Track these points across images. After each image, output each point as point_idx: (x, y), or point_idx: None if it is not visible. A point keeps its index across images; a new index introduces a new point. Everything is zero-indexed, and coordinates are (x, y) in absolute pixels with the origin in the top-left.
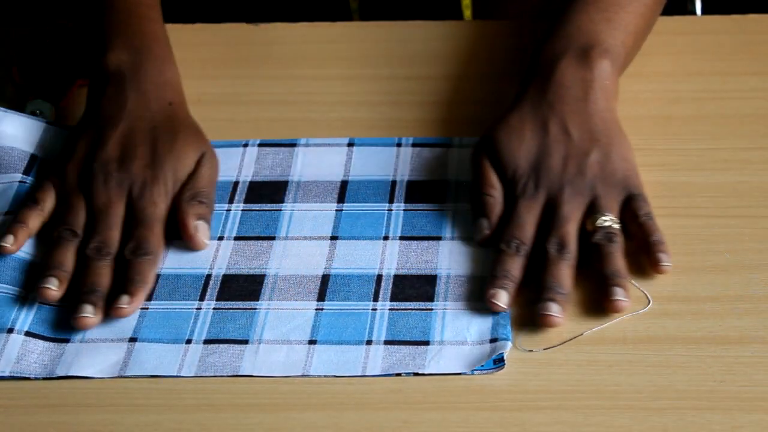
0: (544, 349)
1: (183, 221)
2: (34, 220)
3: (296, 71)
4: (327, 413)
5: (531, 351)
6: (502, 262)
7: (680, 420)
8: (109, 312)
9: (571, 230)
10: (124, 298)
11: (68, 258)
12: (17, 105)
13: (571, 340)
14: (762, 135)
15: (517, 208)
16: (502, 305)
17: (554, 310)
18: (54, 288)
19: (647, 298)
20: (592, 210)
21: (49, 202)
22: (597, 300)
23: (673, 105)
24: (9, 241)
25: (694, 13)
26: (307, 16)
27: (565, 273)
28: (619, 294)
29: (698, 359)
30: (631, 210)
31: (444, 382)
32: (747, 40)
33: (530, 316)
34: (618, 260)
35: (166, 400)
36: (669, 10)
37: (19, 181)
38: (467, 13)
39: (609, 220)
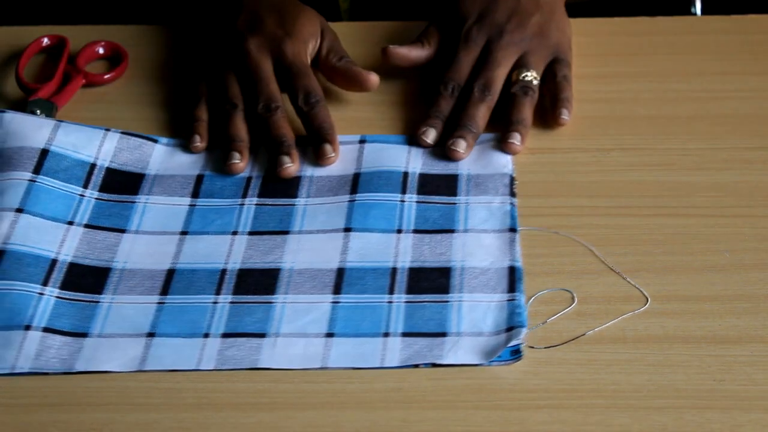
0: (546, 347)
1: (351, 71)
2: (205, 113)
3: None
4: (327, 412)
5: (532, 348)
6: (438, 104)
7: (679, 419)
8: (319, 161)
9: (498, 75)
10: (327, 147)
11: (241, 128)
12: (18, 105)
13: (573, 340)
14: (762, 135)
15: (458, 52)
16: (430, 141)
17: (462, 146)
18: (238, 161)
19: (645, 296)
20: (520, 63)
21: (205, 95)
22: (599, 299)
23: (673, 105)
24: (197, 141)
25: (694, 13)
26: None
27: (481, 113)
28: (515, 138)
29: (697, 358)
30: (553, 70)
31: (444, 381)
32: (747, 40)
33: (531, 315)
34: (526, 111)
35: (166, 399)
36: (669, 10)
37: (29, 180)
38: None
39: (531, 76)
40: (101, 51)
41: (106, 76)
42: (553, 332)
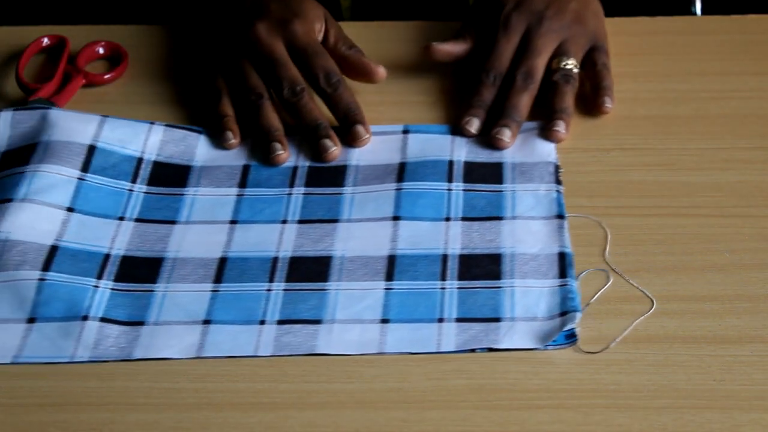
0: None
1: (361, 62)
2: (230, 108)
3: None
4: (327, 412)
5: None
6: (480, 93)
7: (679, 419)
8: (354, 143)
9: (539, 63)
10: (360, 129)
11: (273, 117)
12: (18, 105)
13: (614, 342)
14: (762, 135)
15: (498, 40)
16: (473, 131)
17: (507, 135)
18: (281, 151)
19: (651, 300)
20: (560, 51)
21: (225, 90)
22: (612, 300)
23: (673, 105)
24: (230, 138)
25: (694, 13)
26: None
27: (524, 101)
28: (560, 126)
29: (697, 358)
30: (592, 59)
31: (444, 381)
32: (747, 40)
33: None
34: (568, 99)
35: (166, 398)
36: (669, 10)
37: (78, 178)
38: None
39: (571, 64)
40: (101, 51)
41: (106, 76)
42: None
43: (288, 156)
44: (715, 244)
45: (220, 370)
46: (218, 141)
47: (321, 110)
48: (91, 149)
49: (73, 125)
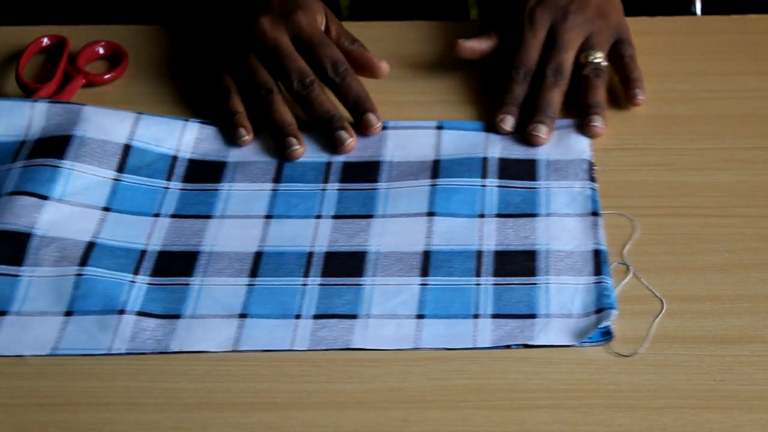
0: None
1: (364, 57)
2: (240, 105)
3: None
4: (327, 412)
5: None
6: (511, 89)
7: (679, 419)
8: (366, 132)
9: (568, 58)
10: (372, 117)
11: (285, 112)
12: None
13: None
14: (762, 135)
15: (524, 35)
16: (508, 129)
17: (543, 131)
18: (297, 146)
19: (661, 301)
20: (586, 46)
21: (233, 87)
22: (626, 299)
23: (673, 105)
24: (244, 135)
25: (694, 13)
26: None
27: (556, 97)
28: (597, 121)
29: (697, 358)
30: (619, 51)
31: (444, 381)
32: (747, 40)
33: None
34: (601, 93)
35: (166, 399)
36: (669, 10)
37: (114, 179)
38: (473, 12)
39: (600, 57)
40: (101, 51)
41: (106, 76)
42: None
43: (304, 150)
44: (715, 244)
45: (220, 370)
46: (231, 139)
47: (332, 101)
48: (127, 148)
49: (108, 122)
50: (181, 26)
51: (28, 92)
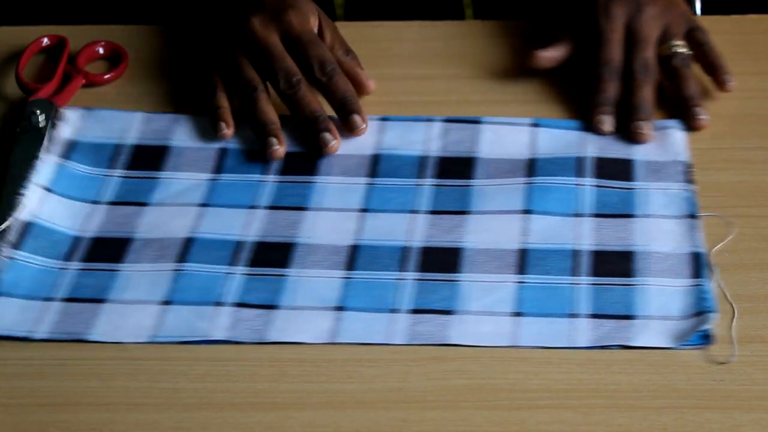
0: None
1: (354, 72)
2: (225, 101)
3: None
4: (327, 412)
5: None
6: (602, 90)
7: (679, 419)
8: (351, 133)
9: (652, 53)
10: (356, 118)
11: (269, 111)
12: (18, 105)
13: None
14: (762, 135)
15: (603, 32)
16: (608, 129)
17: (647, 128)
18: (278, 146)
19: (732, 306)
20: (665, 37)
21: (220, 84)
22: None
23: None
24: (224, 128)
25: (694, 13)
26: None
27: (650, 94)
28: (702, 113)
29: (698, 358)
30: (695, 39)
31: (444, 381)
32: (747, 40)
33: None
34: (694, 83)
35: (166, 399)
36: None
37: (211, 179)
38: (468, 12)
39: (683, 46)
40: (101, 51)
41: (106, 76)
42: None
43: (284, 150)
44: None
45: (220, 370)
46: (213, 132)
47: (319, 102)
48: (223, 152)
49: (204, 127)
50: (180, 26)
51: (28, 92)
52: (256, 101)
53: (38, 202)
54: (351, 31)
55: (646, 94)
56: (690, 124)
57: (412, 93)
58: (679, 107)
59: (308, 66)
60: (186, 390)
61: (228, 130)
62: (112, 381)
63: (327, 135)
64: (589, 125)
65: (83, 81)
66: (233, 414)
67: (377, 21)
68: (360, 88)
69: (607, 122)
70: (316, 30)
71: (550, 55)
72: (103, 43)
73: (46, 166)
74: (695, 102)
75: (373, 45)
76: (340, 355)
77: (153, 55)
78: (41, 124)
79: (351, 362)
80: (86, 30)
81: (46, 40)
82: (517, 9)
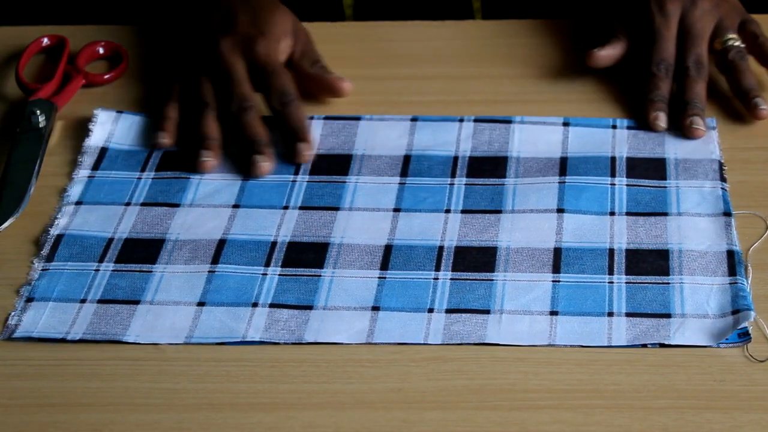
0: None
1: (323, 79)
2: (174, 111)
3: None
4: (327, 413)
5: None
6: (656, 87)
7: (680, 419)
8: (295, 159)
9: (705, 49)
10: (302, 146)
11: (212, 127)
12: (18, 105)
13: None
14: (762, 135)
15: (657, 28)
16: (664, 126)
17: (702, 124)
18: (208, 158)
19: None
20: (719, 31)
21: (176, 95)
22: None
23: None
24: (162, 137)
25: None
26: (301, 11)
27: (702, 90)
28: (762, 104)
29: (698, 359)
30: (749, 31)
31: (444, 382)
32: None
33: None
34: (751, 76)
35: (166, 399)
36: None
37: (241, 179)
38: (476, 5)
39: (737, 40)
40: (101, 51)
41: (106, 76)
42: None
43: (215, 165)
44: None
45: (220, 371)
46: (152, 140)
47: (265, 130)
48: None
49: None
50: (179, 26)
51: (28, 92)
52: (203, 116)
53: (69, 217)
54: (359, 32)
55: (700, 90)
56: (752, 114)
57: (413, 93)
58: (739, 100)
59: (268, 95)
60: (186, 390)
61: (166, 140)
62: (113, 381)
63: (259, 157)
64: (614, 123)
65: (83, 81)
66: (233, 414)
67: (386, 21)
68: (335, 92)
69: (663, 119)
70: (289, 49)
71: (607, 53)
72: (103, 43)
73: (78, 182)
74: (755, 93)
75: (381, 45)
76: (340, 355)
77: (153, 55)
78: (41, 124)
79: (351, 362)
80: (86, 30)
81: (46, 40)
82: (525, 7)
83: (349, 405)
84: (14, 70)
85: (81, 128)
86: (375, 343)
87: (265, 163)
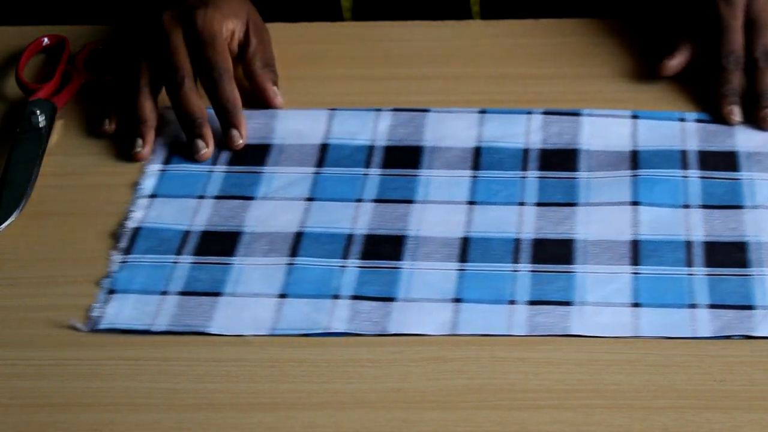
0: None
1: (263, 87)
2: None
3: (297, 71)
4: (327, 412)
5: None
6: (728, 81)
7: (680, 419)
8: (228, 145)
9: None
10: (234, 133)
11: (144, 107)
12: (18, 105)
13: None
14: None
15: (724, 19)
16: (738, 119)
17: None
18: (140, 148)
19: None
20: None
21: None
22: None
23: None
24: (105, 124)
25: None
26: (300, 16)
27: None
28: None
29: (698, 359)
30: None
31: (444, 381)
32: None
33: None
34: None
35: (166, 399)
36: None
37: (314, 173)
38: (475, 8)
39: None
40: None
41: (106, 77)
42: None
43: (149, 154)
44: None
45: (220, 371)
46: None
47: (201, 104)
48: (324, 147)
49: (303, 126)
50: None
51: (28, 92)
52: (136, 96)
53: (145, 209)
54: (358, 32)
55: None
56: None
57: (413, 93)
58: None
59: (199, 67)
60: (186, 390)
61: (108, 127)
62: (113, 381)
63: (199, 142)
64: (682, 116)
65: (83, 81)
66: (233, 414)
67: (385, 21)
68: (266, 103)
69: (737, 112)
70: (239, 35)
71: (677, 62)
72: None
73: (150, 175)
74: None
75: (381, 45)
76: (340, 355)
77: None
78: (41, 124)
79: (351, 362)
80: (86, 30)
81: (46, 40)
82: (524, 7)
83: (349, 405)
84: (14, 70)
85: (81, 128)
86: (338, 344)
87: (206, 150)
